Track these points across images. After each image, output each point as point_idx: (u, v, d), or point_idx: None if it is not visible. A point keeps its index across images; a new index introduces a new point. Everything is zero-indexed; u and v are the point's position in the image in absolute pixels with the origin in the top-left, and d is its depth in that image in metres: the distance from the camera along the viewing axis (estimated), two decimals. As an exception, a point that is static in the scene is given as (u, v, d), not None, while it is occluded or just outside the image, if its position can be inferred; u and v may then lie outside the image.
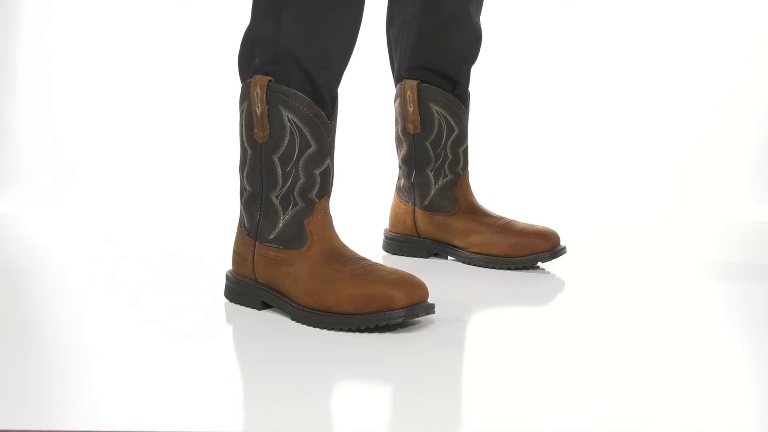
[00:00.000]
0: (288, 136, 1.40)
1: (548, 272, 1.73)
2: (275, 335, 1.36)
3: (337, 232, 1.45)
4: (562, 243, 1.74)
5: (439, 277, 1.68)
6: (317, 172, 1.41)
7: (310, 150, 1.40)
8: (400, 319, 1.35)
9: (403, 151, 1.82)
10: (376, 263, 1.41)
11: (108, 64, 2.53)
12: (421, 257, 1.82)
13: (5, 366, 1.21)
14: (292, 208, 1.42)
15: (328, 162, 1.42)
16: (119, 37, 2.53)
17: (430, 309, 1.38)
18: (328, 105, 1.42)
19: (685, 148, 2.53)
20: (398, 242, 1.84)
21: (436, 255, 1.82)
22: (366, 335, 1.34)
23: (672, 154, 2.52)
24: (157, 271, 1.74)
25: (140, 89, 2.53)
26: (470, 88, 1.81)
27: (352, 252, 1.43)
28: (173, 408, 1.09)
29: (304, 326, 1.38)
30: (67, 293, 1.61)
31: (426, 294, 1.38)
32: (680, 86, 2.55)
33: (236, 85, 1.47)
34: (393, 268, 1.39)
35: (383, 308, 1.35)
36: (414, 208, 1.82)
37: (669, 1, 2.57)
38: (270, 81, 1.40)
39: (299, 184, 1.41)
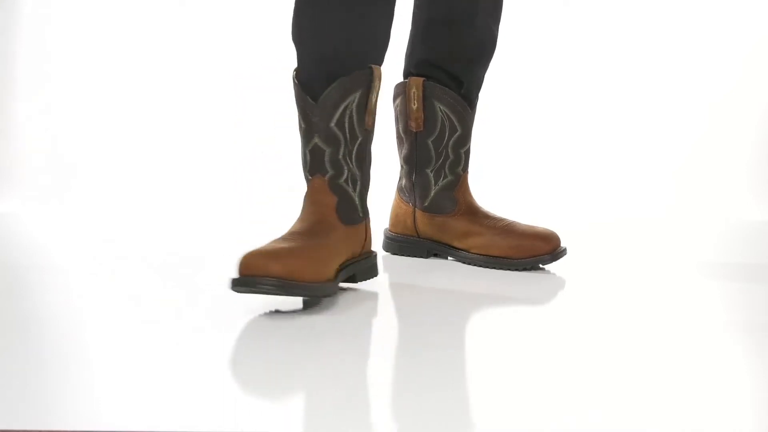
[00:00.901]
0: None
1: (548, 272, 1.73)
2: (275, 335, 1.36)
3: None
4: (563, 245, 1.74)
5: (439, 277, 1.68)
6: (307, 150, 1.51)
7: (303, 127, 1.52)
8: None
9: (404, 150, 1.82)
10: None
11: (108, 64, 2.53)
12: (421, 257, 1.82)
13: (5, 366, 1.21)
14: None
15: (316, 141, 1.50)
16: (119, 37, 2.53)
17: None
18: (317, 91, 1.49)
19: (685, 148, 2.53)
20: (398, 242, 1.84)
21: (436, 255, 1.82)
22: (366, 335, 1.34)
23: (672, 154, 2.52)
24: (157, 271, 1.74)
25: (140, 89, 2.53)
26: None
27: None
28: (173, 408, 1.08)
29: (304, 325, 1.38)
30: (67, 293, 1.61)
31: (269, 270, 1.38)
32: (680, 86, 2.55)
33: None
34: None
35: None
36: (414, 209, 1.82)
37: (669, 1, 2.57)
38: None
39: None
